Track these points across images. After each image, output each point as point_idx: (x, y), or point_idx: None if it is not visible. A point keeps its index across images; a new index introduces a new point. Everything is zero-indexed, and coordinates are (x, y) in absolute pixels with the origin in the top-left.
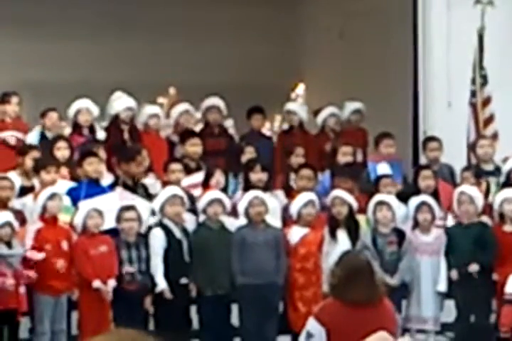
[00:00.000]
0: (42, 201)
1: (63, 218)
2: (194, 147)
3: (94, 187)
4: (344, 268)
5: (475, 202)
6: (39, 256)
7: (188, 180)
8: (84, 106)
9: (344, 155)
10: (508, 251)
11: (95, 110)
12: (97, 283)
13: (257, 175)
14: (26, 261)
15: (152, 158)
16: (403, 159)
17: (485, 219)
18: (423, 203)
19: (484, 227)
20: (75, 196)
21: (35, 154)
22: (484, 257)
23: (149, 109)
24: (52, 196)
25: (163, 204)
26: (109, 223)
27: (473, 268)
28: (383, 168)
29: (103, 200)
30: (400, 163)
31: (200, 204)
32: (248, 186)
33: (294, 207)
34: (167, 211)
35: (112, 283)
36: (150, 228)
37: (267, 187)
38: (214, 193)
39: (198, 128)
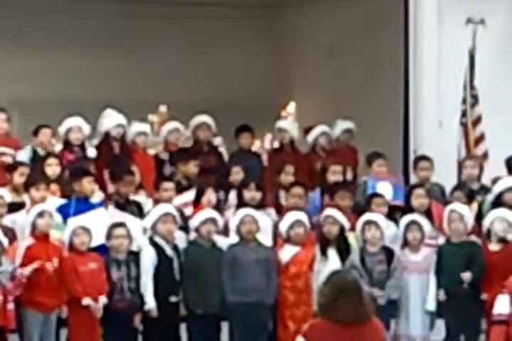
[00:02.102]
0: (31, 218)
1: (55, 235)
2: (195, 168)
3: (83, 204)
4: (332, 287)
5: (465, 221)
6: (29, 269)
7: (178, 199)
8: (75, 125)
9: (334, 174)
10: (495, 270)
11: (86, 128)
12: (86, 300)
13: (251, 194)
14: (16, 279)
15: (141, 176)
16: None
17: (473, 238)
18: (412, 222)
19: (474, 246)
20: (64, 213)
21: (24, 170)
22: (473, 276)
23: (136, 127)
24: (42, 213)
25: (156, 222)
26: (99, 239)
27: (466, 276)
28: (383, 187)
29: (92, 216)
30: (401, 186)
31: (194, 223)
32: (241, 204)
33: (283, 227)
34: (159, 229)
35: (102, 299)
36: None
37: (260, 206)
38: (208, 212)
39: (188, 145)
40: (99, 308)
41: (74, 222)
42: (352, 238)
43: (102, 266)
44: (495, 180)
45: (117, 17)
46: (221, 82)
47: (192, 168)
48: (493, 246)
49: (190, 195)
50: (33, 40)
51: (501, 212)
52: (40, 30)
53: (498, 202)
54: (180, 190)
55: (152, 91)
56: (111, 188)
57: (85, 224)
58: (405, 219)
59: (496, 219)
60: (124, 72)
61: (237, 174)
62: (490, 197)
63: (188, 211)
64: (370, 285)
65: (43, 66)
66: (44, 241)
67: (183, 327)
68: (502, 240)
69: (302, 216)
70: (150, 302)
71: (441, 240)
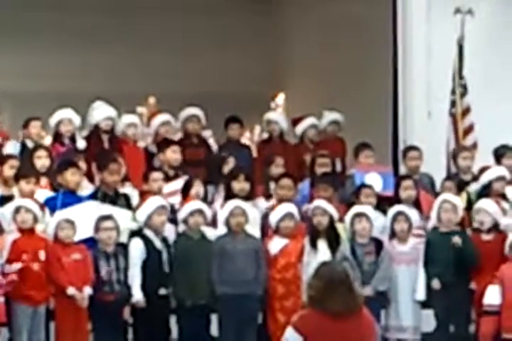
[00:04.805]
0: (10, 213)
1: (38, 227)
2: (175, 154)
3: (70, 197)
4: (321, 279)
5: (457, 211)
6: (14, 267)
7: (167, 188)
8: (66, 117)
9: (321, 167)
10: (485, 259)
11: (77, 120)
12: (71, 290)
13: (240, 185)
14: (5, 274)
15: (129, 168)
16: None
17: (468, 231)
18: (399, 213)
19: (463, 235)
20: (51, 206)
21: (14, 163)
22: (465, 265)
23: (126, 118)
24: (18, 209)
25: (150, 215)
26: (88, 232)
27: (456, 239)
28: (371, 178)
29: (80, 209)
30: (390, 174)
31: (182, 215)
32: (230, 195)
33: (273, 219)
34: (154, 221)
35: (87, 290)
36: (132, 236)
37: (249, 197)
38: (195, 204)
39: (176, 137)
40: (83, 297)
41: (59, 215)
42: (341, 229)
43: (87, 257)
44: (482, 170)
45: (108, 11)
46: (210, 73)
47: (170, 154)
48: (485, 236)
49: (178, 183)
50: (24, 33)
51: (481, 203)
52: (32, 24)
53: (485, 193)
54: (167, 180)
55: (141, 83)
56: (98, 180)
57: (70, 217)
58: (392, 210)
59: (478, 210)
60: (113, 64)
61: (231, 165)
62: (475, 186)
63: (176, 199)
64: (361, 276)
65: (34, 59)
66: (30, 235)
67: (173, 320)
68: (494, 229)
69: (293, 208)
70: (137, 294)
71: (429, 225)
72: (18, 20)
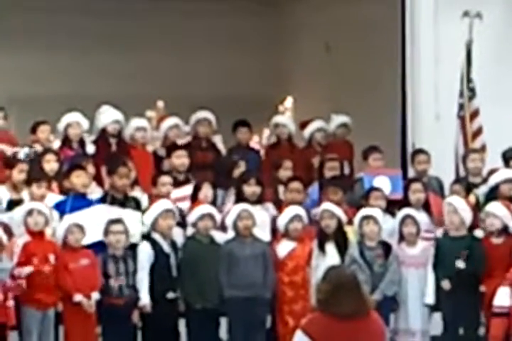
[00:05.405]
0: (21, 217)
1: (48, 232)
2: (180, 159)
3: (80, 201)
4: (330, 283)
5: (460, 213)
6: (26, 271)
7: (176, 193)
8: (74, 120)
9: (330, 170)
10: (496, 262)
11: (85, 123)
12: (78, 297)
13: (252, 188)
14: (15, 277)
15: (138, 172)
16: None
17: (479, 233)
18: (407, 216)
19: (474, 240)
20: (60, 209)
21: (23, 167)
22: (472, 270)
23: (135, 122)
24: (30, 212)
25: (157, 218)
26: (97, 236)
27: (459, 263)
28: (380, 181)
29: (90, 213)
30: (399, 177)
31: (191, 218)
32: (240, 199)
33: (281, 222)
34: (160, 224)
35: (95, 295)
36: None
37: (259, 201)
38: (205, 207)
39: (185, 141)
40: (91, 305)
41: (68, 219)
42: (350, 232)
43: (95, 262)
44: (491, 172)
45: (115, 14)
46: (218, 76)
47: (175, 160)
48: (496, 239)
49: (188, 188)
50: (31, 37)
51: (491, 206)
52: (38, 28)
53: (493, 195)
54: (176, 184)
55: (149, 86)
56: (108, 184)
57: (79, 222)
58: (401, 214)
59: (487, 214)
60: (121, 67)
61: (242, 169)
62: (484, 189)
63: (186, 205)
64: (370, 279)
65: (40, 63)
66: (40, 238)
67: (181, 323)
68: (504, 232)
69: (301, 211)
70: (144, 298)
71: (439, 233)
72: (25, 24)
